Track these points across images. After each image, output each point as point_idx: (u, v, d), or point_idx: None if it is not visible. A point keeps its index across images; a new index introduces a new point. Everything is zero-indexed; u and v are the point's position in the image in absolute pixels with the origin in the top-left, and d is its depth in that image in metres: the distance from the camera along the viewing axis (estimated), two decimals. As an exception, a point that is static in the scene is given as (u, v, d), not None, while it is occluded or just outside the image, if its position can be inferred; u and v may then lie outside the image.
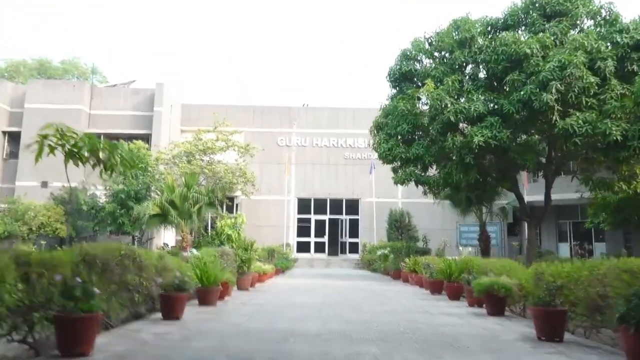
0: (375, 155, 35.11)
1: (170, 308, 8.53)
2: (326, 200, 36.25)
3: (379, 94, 75.42)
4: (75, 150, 5.31)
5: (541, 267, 8.63)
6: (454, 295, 12.48)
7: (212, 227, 29.11)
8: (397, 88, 21.38)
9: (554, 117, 16.32)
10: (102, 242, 31.74)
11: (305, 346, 6.49)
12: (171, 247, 27.18)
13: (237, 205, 36.17)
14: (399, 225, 30.97)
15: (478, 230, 28.36)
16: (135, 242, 28.82)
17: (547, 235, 36.48)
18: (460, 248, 12.92)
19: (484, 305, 10.07)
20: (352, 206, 36.24)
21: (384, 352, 6.06)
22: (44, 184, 32.79)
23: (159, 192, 24.42)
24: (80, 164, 5.45)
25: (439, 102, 17.92)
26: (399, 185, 21.59)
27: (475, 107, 17.48)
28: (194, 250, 12.89)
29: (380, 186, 34.64)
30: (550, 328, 7.16)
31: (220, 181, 25.81)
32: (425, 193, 22.17)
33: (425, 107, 20.27)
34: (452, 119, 17.62)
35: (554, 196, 25.86)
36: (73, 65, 45.94)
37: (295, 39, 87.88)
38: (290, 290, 15.05)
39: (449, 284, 12.66)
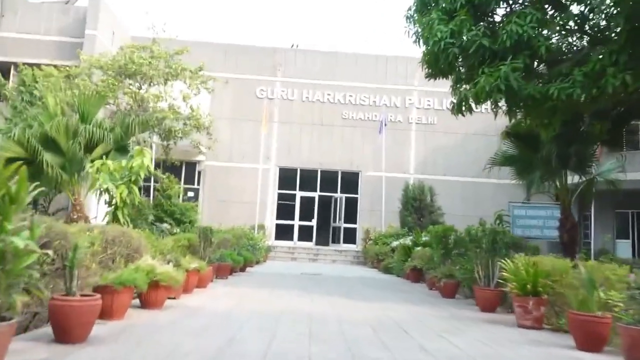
0: (379, 117, 23.91)
1: None
2: (316, 172, 24.89)
3: (389, 40, 56.24)
4: None
5: None
6: None
7: (155, 191, 17.75)
8: None
9: None
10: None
11: None
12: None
13: (199, 173, 24.75)
14: (419, 206, 19.72)
15: (549, 215, 17.28)
16: (37, 213, 17.27)
17: (601, 230, 25.29)
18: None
19: None
20: (351, 181, 24.92)
21: None
22: None
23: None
24: None
25: None
26: (459, 116, 10.20)
27: None
28: None
29: (388, 156, 23.37)
30: None
31: (148, 114, 14.37)
32: (521, 121, 10.95)
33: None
34: None
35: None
36: None
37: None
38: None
39: None
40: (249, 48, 25.39)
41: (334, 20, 58.66)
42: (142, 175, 8.49)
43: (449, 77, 10.11)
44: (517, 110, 9.15)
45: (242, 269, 13.50)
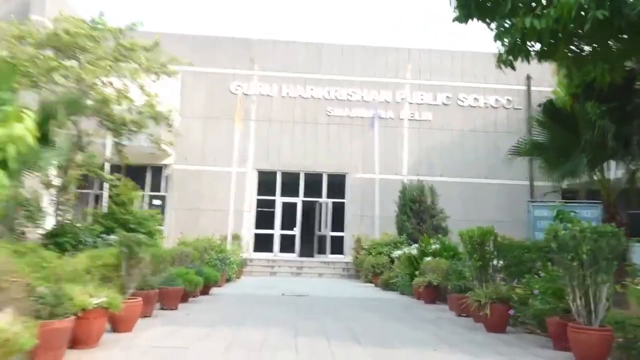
0: (374, 108, 20.70)
1: None
2: (299, 174, 21.41)
3: (377, 29, 50.81)
4: None
5: None
6: None
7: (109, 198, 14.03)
8: None
9: None
10: None
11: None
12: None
13: (166, 178, 21.09)
14: (418, 209, 16.36)
15: (588, 215, 14.04)
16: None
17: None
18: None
19: None
20: (337, 184, 21.50)
21: None
22: None
23: None
24: None
25: None
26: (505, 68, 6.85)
27: None
28: None
29: (379, 156, 20.05)
30: None
31: (79, 94, 10.75)
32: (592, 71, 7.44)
33: None
34: None
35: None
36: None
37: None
38: None
39: None
40: (222, 39, 21.95)
41: (315, 9, 54.14)
42: (14, 153, 4.94)
43: (488, 19, 6.76)
44: (612, 47, 5.82)
45: (205, 291, 9.92)
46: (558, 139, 10.53)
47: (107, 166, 15.66)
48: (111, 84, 12.69)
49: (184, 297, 8.46)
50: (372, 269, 14.19)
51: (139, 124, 13.06)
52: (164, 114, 13.47)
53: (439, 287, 9.90)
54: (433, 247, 11.70)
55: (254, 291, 11.43)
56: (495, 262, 7.52)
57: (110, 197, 14.13)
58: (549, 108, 10.72)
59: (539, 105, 11.67)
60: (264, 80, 21.63)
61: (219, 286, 11.86)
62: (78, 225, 12.04)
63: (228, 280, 13.44)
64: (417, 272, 11.27)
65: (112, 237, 12.65)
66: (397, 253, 13.05)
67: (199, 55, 21.24)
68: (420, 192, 16.64)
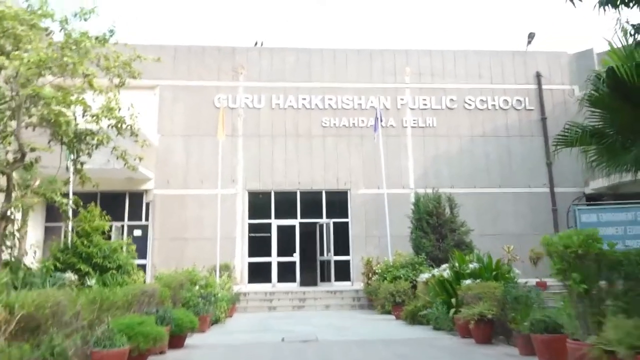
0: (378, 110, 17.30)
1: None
2: (295, 193, 18.67)
3: (369, 32, 47.64)
4: None
5: None
6: None
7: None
8: None
9: None
10: None
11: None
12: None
13: (147, 204, 18.27)
14: (436, 223, 13.65)
15: (632, 219, 11.37)
16: None
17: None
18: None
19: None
20: (338, 202, 18.76)
21: None
22: None
23: None
24: None
25: None
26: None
27: None
28: None
29: (383, 168, 17.41)
30: None
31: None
32: None
33: None
34: None
35: None
36: None
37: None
38: None
39: None
40: (203, 49, 19.48)
41: (303, 14, 50.95)
42: None
43: None
44: None
45: (176, 343, 7.08)
46: (626, 119, 7.97)
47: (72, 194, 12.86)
48: (61, 88, 10.02)
49: (140, 359, 5.65)
50: (391, 298, 11.35)
51: (96, 135, 10.31)
52: (124, 120, 10.67)
53: (493, 321, 7.17)
54: (471, 266, 8.99)
55: (245, 337, 8.56)
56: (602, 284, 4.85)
57: (72, 228, 11.40)
58: (612, 78, 8.17)
59: (597, 77, 9.10)
60: (251, 91, 19.11)
61: (202, 331, 9.03)
62: (25, 263, 9.40)
63: (215, 321, 10.57)
64: (452, 300, 8.55)
65: (67, 275, 9.96)
66: (423, 276, 10.28)
67: (179, 66, 18.86)
68: (437, 203, 13.96)
